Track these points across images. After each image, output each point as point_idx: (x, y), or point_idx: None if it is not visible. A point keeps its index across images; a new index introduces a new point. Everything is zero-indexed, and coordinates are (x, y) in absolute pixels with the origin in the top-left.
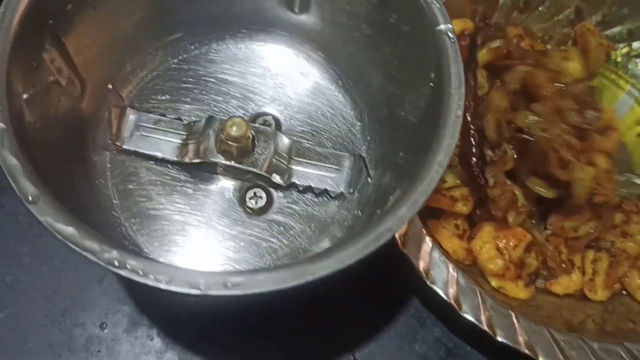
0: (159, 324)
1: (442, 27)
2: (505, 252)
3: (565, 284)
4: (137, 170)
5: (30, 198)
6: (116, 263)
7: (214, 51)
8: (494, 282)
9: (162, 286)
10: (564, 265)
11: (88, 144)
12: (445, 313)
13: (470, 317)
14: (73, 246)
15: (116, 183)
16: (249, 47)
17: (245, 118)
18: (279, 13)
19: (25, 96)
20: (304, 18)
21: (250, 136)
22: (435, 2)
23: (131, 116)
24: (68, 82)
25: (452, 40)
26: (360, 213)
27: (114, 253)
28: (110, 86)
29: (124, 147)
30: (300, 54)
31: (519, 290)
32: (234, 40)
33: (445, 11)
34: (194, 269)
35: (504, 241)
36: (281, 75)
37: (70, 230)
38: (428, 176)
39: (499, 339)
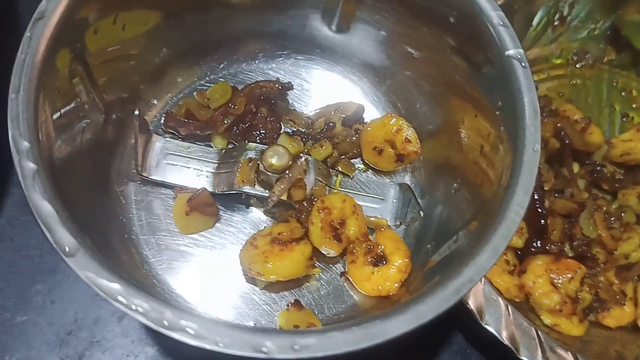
0: None
1: (512, 51)
2: (560, 286)
3: (617, 316)
4: (164, 203)
5: (67, 249)
6: (166, 323)
7: (244, 71)
8: (548, 320)
9: (222, 350)
10: (617, 297)
11: (112, 176)
12: (493, 352)
13: None
14: (118, 305)
15: (141, 217)
16: (281, 65)
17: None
18: (317, 32)
19: (52, 128)
20: (344, 38)
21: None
22: (502, 24)
23: (157, 143)
24: (92, 106)
25: (524, 66)
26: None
27: (167, 313)
28: (136, 112)
29: (151, 177)
30: (339, 74)
31: (573, 327)
32: (265, 60)
33: (515, 35)
34: (256, 329)
35: (558, 274)
36: (318, 95)
37: (115, 287)
38: (508, 219)
39: None
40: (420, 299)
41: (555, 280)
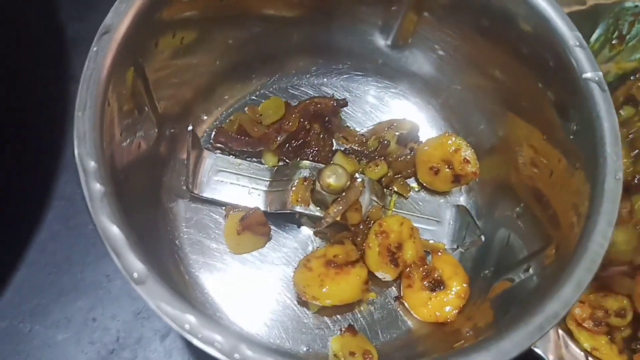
0: None
1: (589, 74)
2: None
3: None
4: (214, 221)
5: (136, 276)
6: (237, 357)
7: (295, 86)
8: (587, 343)
9: None
10: None
11: (162, 192)
12: None
13: None
14: (190, 337)
15: (191, 235)
16: (333, 81)
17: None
18: (371, 47)
19: (116, 146)
20: (399, 53)
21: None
22: (579, 44)
23: (208, 160)
24: (147, 121)
25: (603, 90)
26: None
27: (242, 347)
28: (189, 127)
29: (201, 195)
30: (393, 90)
31: (614, 355)
32: (317, 75)
33: (593, 57)
34: None
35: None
36: (371, 112)
37: (188, 318)
38: (591, 251)
39: None
40: (502, 335)
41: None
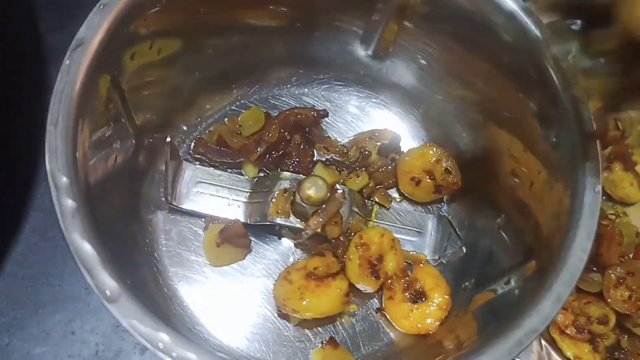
0: None
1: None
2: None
3: None
4: (193, 233)
5: (108, 294)
6: None
7: (275, 96)
8: (570, 352)
9: None
10: None
11: (141, 204)
12: None
13: None
14: (164, 355)
15: (170, 247)
16: (314, 91)
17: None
18: (352, 57)
19: (89, 159)
20: (380, 63)
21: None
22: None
23: (187, 171)
24: (123, 132)
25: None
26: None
27: None
28: (168, 139)
29: (180, 206)
30: (374, 100)
31: None
32: (298, 85)
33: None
34: None
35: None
36: (352, 122)
37: (161, 337)
38: (570, 264)
39: None
40: (480, 351)
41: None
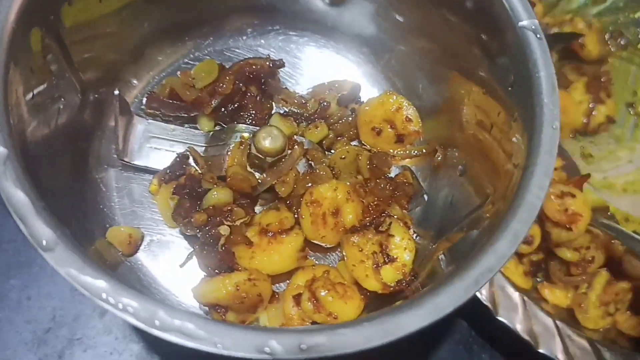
0: None
1: (526, 22)
2: None
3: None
4: (147, 190)
5: (44, 243)
6: (158, 323)
7: (231, 48)
8: None
9: (221, 352)
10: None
11: (91, 162)
12: (502, 342)
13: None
14: (104, 304)
15: (123, 205)
16: (271, 42)
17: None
18: (309, 5)
19: (25, 109)
20: (338, 11)
21: (288, 151)
22: None
23: (139, 126)
24: (67, 86)
25: (539, 37)
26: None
27: (159, 313)
28: (116, 92)
29: (133, 162)
30: (333, 50)
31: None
32: (254, 36)
33: (529, 4)
34: (259, 328)
35: None
36: (310, 73)
37: (100, 284)
38: (527, 202)
39: None
40: (437, 291)
41: None
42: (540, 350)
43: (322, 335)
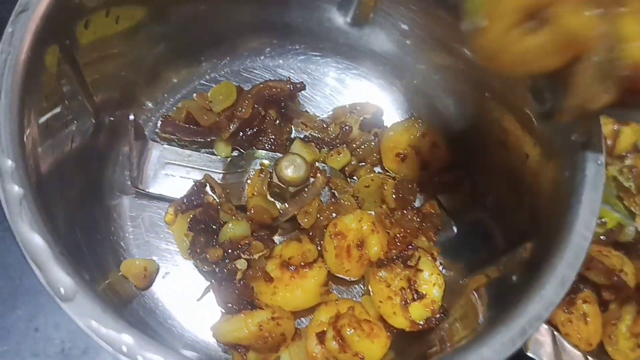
0: None
1: None
2: None
3: None
4: (162, 220)
5: (63, 292)
6: None
7: (248, 69)
8: None
9: None
10: None
11: (104, 189)
12: None
13: None
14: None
15: (137, 235)
16: (289, 62)
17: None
18: (330, 25)
19: (38, 139)
20: (360, 31)
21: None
22: None
23: (154, 151)
24: (80, 110)
25: None
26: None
27: None
28: (131, 117)
29: (147, 190)
30: (355, 72)
31: None
32: (272, 56)
33: None
34: None
35: None
36: (331, 96)
37: (124, 339)
38: (573, 244)
39: None
40: (482, 341)
41: None
42: None
43: None
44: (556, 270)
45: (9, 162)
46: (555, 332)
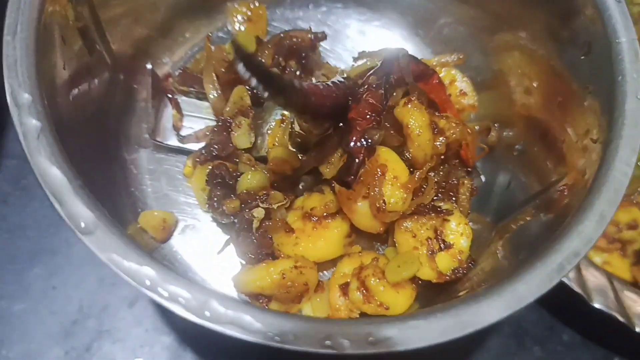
0: (205, 356)
1: None
2: None
3: None
4: (181, 173)
5: (83, 225)
6: (208, 314)
7: (267, 20)
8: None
9: (282, 346)
10: None
11: (121, 142)
12: None
13: None
14: (150, 292)
15: (156, 188)
16: (309, 14)
17: None
18: None
19: (57, 80)
20: None
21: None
22: None
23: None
24: (99, 60)
25: (619, 1)
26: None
27: (212, 303)
28: (149, 66)
29: (166, 143)
30: (377, 23)
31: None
32: (292, 7)
33: None
34: (323, 320)
35: None
36: (352, 48)
37: (147, 272)
38: (613, 179)
39: None
40: (517, 279)
41: None
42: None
43: (393, 327)
44: (595, 206)
45: (26, 96)
46: (614, 280)
